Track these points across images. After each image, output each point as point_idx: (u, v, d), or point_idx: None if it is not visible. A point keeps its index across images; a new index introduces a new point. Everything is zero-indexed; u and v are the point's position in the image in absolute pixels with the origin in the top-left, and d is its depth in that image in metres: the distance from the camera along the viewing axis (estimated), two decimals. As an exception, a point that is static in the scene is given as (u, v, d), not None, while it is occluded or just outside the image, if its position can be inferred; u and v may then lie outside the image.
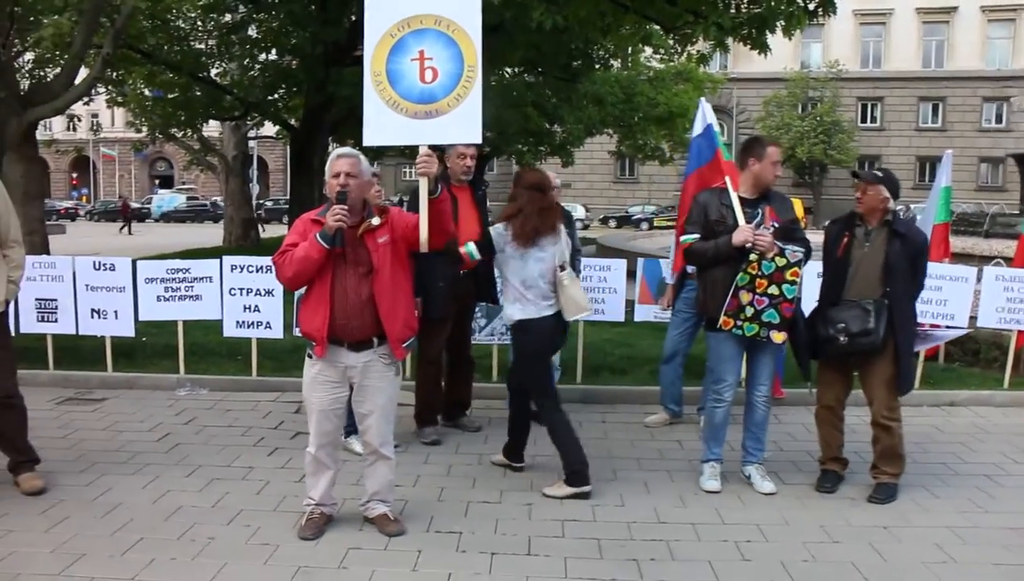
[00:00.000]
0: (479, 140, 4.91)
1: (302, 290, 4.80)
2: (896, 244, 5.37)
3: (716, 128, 5.87)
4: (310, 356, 4.72)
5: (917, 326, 5.87)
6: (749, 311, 5.36)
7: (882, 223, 5.45)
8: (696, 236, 5.57)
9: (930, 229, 8.29)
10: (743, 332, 5.40)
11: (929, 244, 6.07)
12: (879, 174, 5.50)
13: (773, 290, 5.31)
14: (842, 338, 5.37)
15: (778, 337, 5.39)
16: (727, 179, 5.60)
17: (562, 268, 5.50)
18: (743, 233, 5.32)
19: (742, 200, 5.49)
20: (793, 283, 5.32)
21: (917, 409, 7.32)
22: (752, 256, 5.30)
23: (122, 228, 42.99)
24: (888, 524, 5.09)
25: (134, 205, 55.85)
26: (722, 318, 5.41)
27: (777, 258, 5.30)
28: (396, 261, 4.66)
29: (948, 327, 7.95)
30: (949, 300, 8.04)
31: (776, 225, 5.40)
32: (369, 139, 4.83)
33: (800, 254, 5.35)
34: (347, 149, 4.78)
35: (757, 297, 5.34)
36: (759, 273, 5.31)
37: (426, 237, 4.59)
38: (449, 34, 4.72)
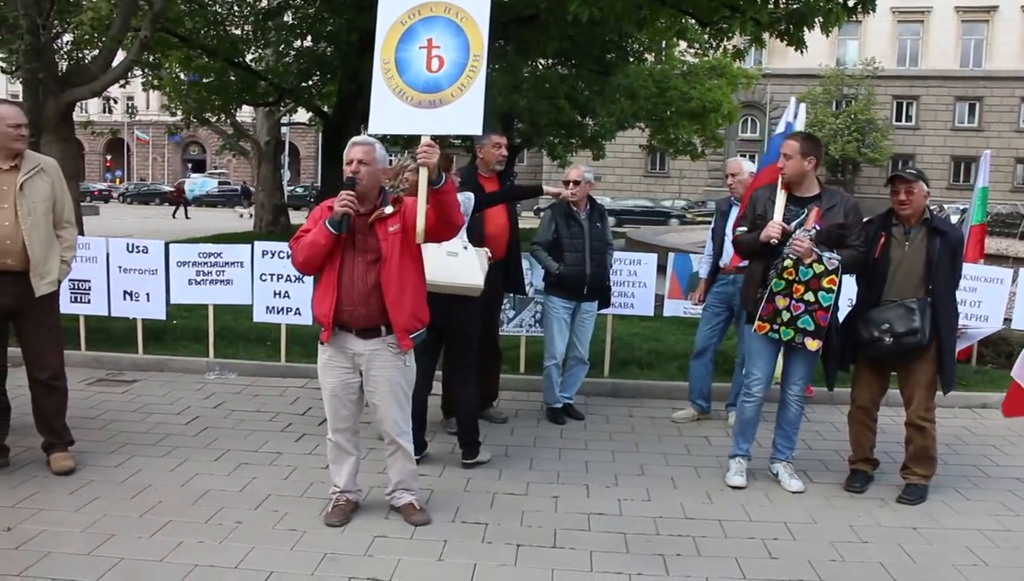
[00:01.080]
0: (479, 132, 4.83)
1: None
2: (936, 242, 5.30)
3: (799, 128, 5.80)
4: (321, 343, 4.74)
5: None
6: (785, 316, 5.32)
7: (921, 221, 5.39)
8: (745, 229, 5.60)
9: (967, 230, 8.20)
10: (779, 337, 5.37)
11: (965, 241, 5.99)
12: (915, 172, 5.45)
13: (809, 297, 5.26)
14: (887, 339, 5.30)
15: (812, 344, 5.33)
16: (781, 177, 5.54)
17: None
18: (768, 229, 5.29)
19: (793, 198, 5.44)
20: (829, 291, 5.24)
21: (949, 410, 7.23)
22: (787, 262, 5.24)
23: (175, 212, 42.88)
24: (918, 525, 5.04)
25: (166, 189, 56.36)
26: (757, 323, 5.38)
27: (815, 264, 5.23)
28: (406, 251, 4.63)
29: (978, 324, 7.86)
30: (984, 301, 7.95)
31: (818, 228, 5.30)
32: (374, 127, 4.80)
33: (836, 262, 5.25)
34: (363, 137, 4.76)
35: (794, 302, 5.29)
36: (796, 278, 5.26)
37: (423, 228, 4.54)
38: (458, 22, 4.68)
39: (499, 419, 6.87)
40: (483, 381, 6.89)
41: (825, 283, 5.24)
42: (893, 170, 5.74)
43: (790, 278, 5.27)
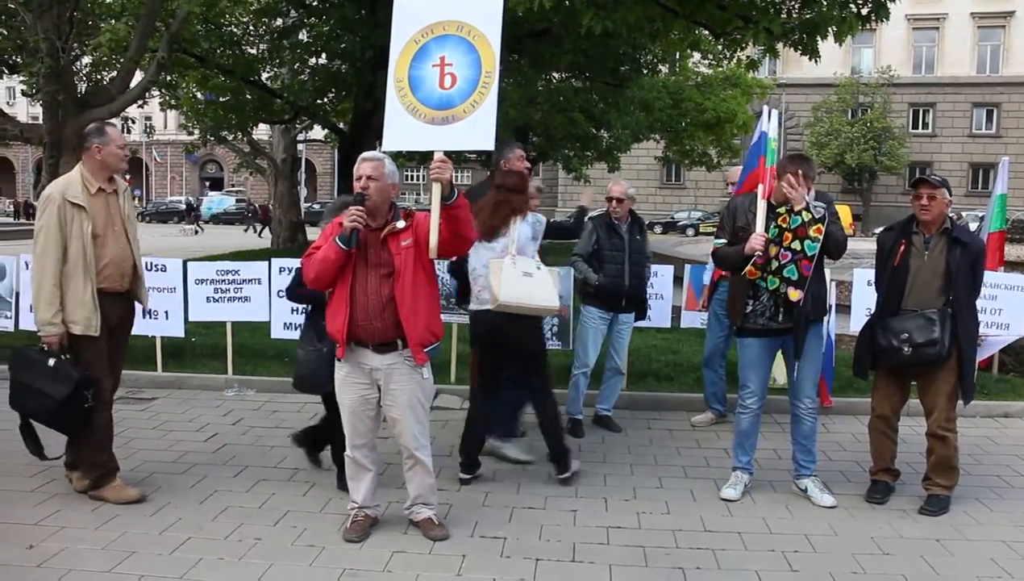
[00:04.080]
0: (492, 147, 4.86)
1: None
2: (956, 251, 5.25)
3: (772, 135, 5.80)
4: (338, 359, 4.75)
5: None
6: (773, 264, 5.28)
7: (941, 230, 5.34)
8: (723, 241, 5.59)
9: (986, 237, 8.13)
10: (766, 285, 5.32)
11: (986, 250, 5.93)
12: (939, 178, 5.40)
13: (796, 245, 5.22)
14: (906, 349, 5.24)
15: (794, 294, 5.26)
16: (760, 186, 5.50)
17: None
18: (752, 242, 5.26)
19: (773, 209, 5.40)
20: (815, 240, 5.20)
21: (971, 420, 7.16)
22: (780, 209, 5.24)
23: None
24: (941, 537, 4.99)
25: (182, 206, 56.52)
26: (748, 267, 5.30)
27: (804, 212, 5.20)
28: (419, 265, 4.65)
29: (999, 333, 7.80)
30: (1004, 309, 7.89)
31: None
32: (388, 144, 4.85)
33: (822, 210, 5.22)
34: (373, 153, 4.78)
35: (782, 251, 5.25)
36: (787, 226, 5.23)
37: (435, 243, 4.56)
38: (470, 40, 4.74)
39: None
40: None
41: (812, 232, 5.19)
42: (911, 178, 5.69)
43: (783, 225, 5.23)
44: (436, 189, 4.51)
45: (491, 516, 5.19)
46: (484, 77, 4.68)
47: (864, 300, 7.69)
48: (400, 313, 4.58)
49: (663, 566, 4.54)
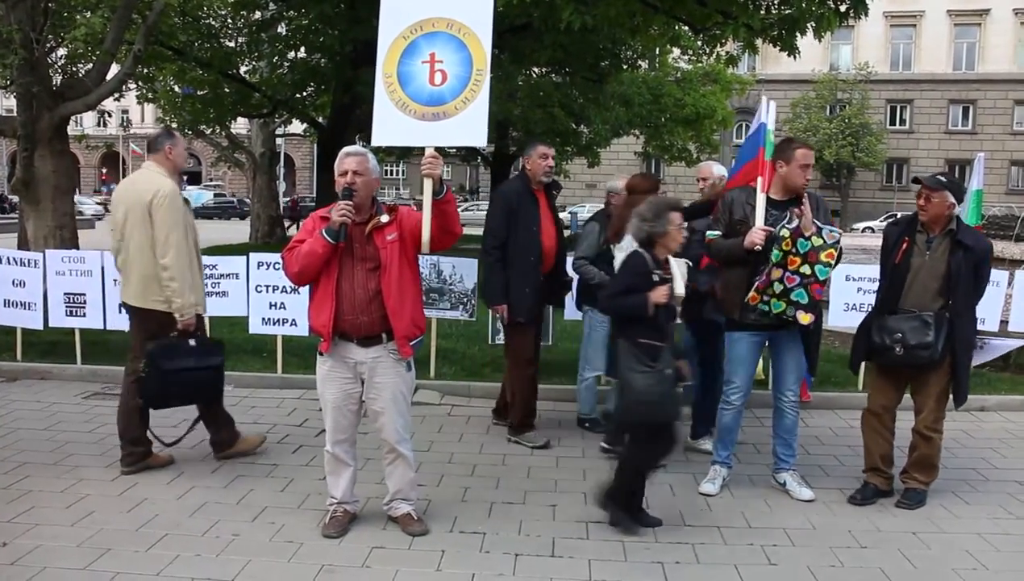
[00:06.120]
0: (484, 144, 4.94)
1: None
2: (959, 254, 5.17)
3: (770, 127, 5.79)
4: (321, 353, 4.74)
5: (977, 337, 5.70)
6: (778, 288, 5.25)
7: (945, 232, 5.25)
8: (719, 233, 5.56)
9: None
10: (769, 309, 5.29)
11: (992, 251, 5.86)
12: (943, 180, 5.27)
13: (805, 269, 5.19)
14: (898, 349, 5.22)
15: (804, 318, 5.24)
16: (759, 179, 5.50)
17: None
18: (753, 235, 5.27)
19: (772, 202, 5.41)
20: (828, 265, 5.19)
21: (947, 414, 7.19)
22: (784, 233, 5.17)
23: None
24: (918, 530, 5.03)
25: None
26: (751, 294, 5.29)
27: (814, 238, 5.18)
28: (404, 259, 4.67)
29: (1007, 337, 7.86)
30: (980, 304, 7.91)
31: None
32: (377, 139, 4.86)
33: (837, 234, 5.23)
34: (355, 147, 4.79)
35: (788, 274, 5.21)
36: (793, 250, 5.19)
37: (428, 238, 4.58)
38: (460, 37, 4.75)
39: (540, 443, 6.56)
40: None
41: (823, 257, 5.18)
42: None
43: (787, 249, 5.20)
44: (428, 185, 4.52)
45: (470, 511, 5.18)
46: (475, 75, 4.70)
47: (843, 295, 7.73)
48: (387, 306, 4.58)
49: (643, 561, 4.55)
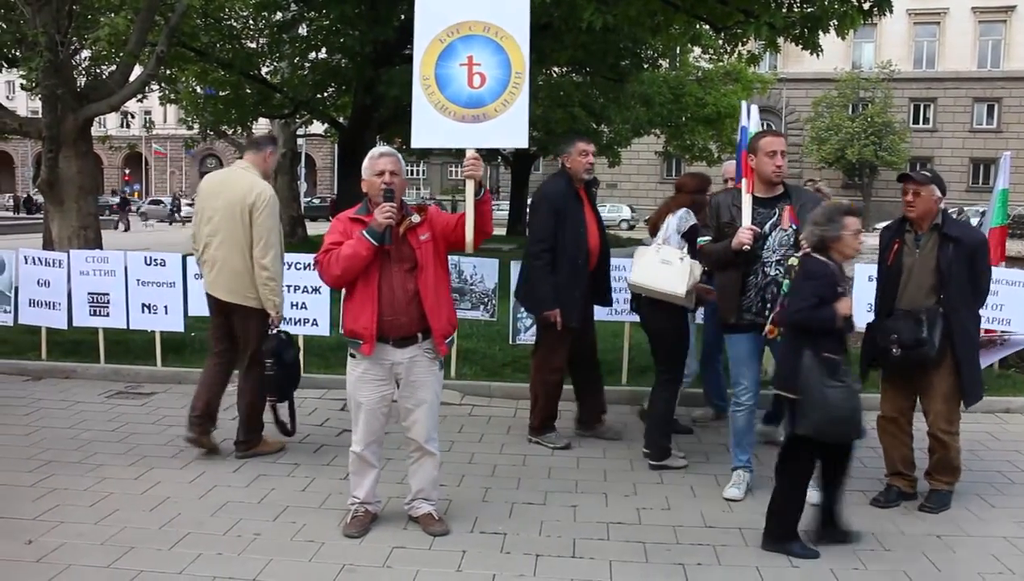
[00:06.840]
0: (525, 145, 5.00)
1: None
2: (948, 248, 5.12)
3: (751, 130, 5.78)
4: (354, 355, 4.74)
5: (982, 334, 5.62)
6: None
7: (932, 227, 5.21)
8: (708, 238, 5.58)
9: (987, 232, 8.09)
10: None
11: (987, 244, 5.82)
12: (929, 174, 5.28)
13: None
14: (895, 350, 5.16)
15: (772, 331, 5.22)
16: (743, 181, 5.47)
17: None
18: (739, 236, 5.24)
19: (759, 200, 5.37)
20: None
21: (971, 416, 7.12)
22: (792, 261, 5.05)
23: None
24: (942, 533, 4.98)
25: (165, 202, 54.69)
26: (768, 327, 5.25)
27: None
28: (438, 259, 4.73)
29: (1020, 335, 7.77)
30: (1005, 305, 7.83)
31: (795, 226, 5.25)
32: (417, 141, 4.92)
33: None
34: (387, 148, 4.85)
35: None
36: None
37: (471, 238, 4.65)
38: (497, 41, 4.80)
39: (613, 435, 6.67)
40: (590, 398, 6.76)
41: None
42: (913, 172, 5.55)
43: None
44: (470, 185, 4.61)
45: (491, 511, 5.18)
46: (514, 77, 4.77)
47: (866, 296, 7.64)
48: (425, 306, 4.62)
49: (663, 562, 4.54)
